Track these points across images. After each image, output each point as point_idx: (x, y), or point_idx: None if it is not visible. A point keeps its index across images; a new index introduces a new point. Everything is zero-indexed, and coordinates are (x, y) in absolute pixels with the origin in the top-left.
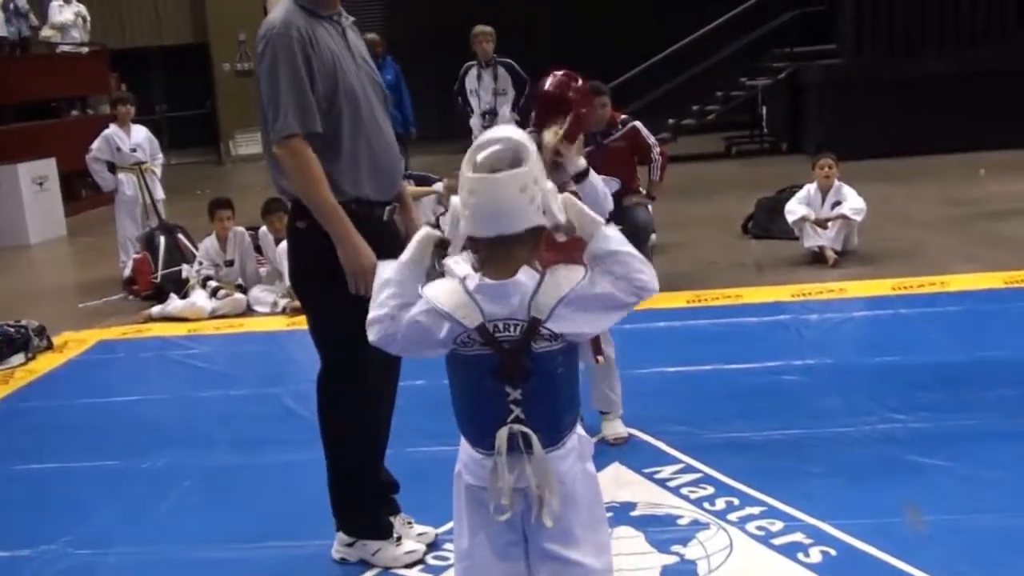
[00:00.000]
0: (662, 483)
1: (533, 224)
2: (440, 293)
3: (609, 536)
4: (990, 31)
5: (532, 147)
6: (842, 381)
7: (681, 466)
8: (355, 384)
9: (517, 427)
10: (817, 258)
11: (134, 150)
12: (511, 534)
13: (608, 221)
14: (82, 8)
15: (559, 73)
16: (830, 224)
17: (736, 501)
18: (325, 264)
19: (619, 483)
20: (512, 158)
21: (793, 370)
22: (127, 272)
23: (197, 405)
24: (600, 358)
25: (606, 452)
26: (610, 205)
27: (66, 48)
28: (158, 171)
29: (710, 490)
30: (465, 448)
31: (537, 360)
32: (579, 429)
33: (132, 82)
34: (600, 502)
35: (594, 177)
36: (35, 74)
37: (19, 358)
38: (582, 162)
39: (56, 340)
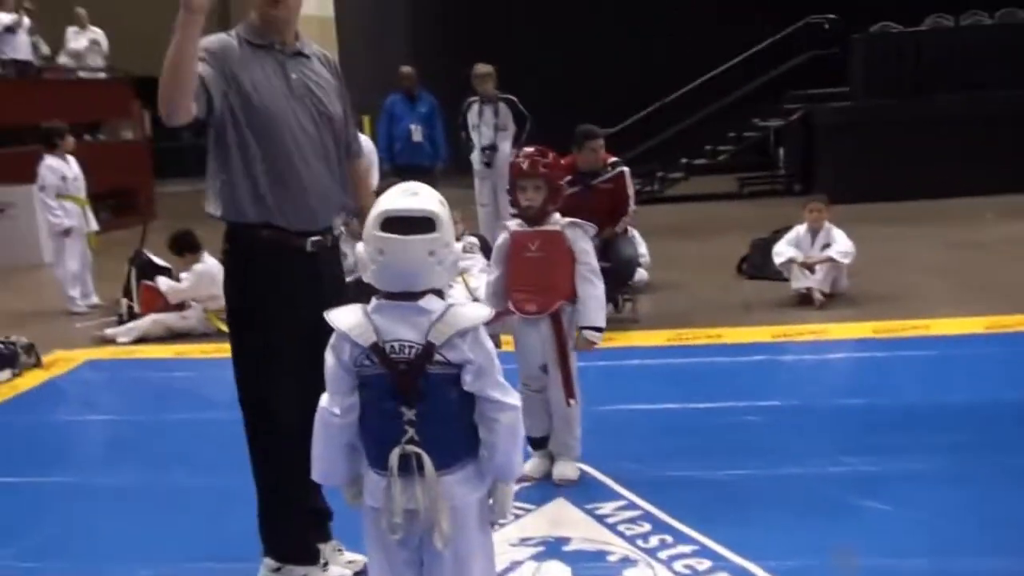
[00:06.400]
0: (601, 519)
1: (437, 286)
2: (340, 315)
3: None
4: (1002, 74)
5: (444, 211)
6: (802, 423)
7: (624, 503)
8: (268, 418)
9: (410, 447)
10: (805, 299)
11: (76, 179)
12: (406, 554)
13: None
14: (98, 34)
15: (530, 150)
16: (818, 266)
17: (669, 539)
18: (232, 301)
19: (558, 519)
20: (426, 222)
21: (757, 411)
22: (73, 308)
23: (168, 426)
24: (572, 401)
25: (553, 488)
26: None
27: (83, 74)
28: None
29: (647, 527)
30: (367, 471)
31: (431, 381)
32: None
33: (156, 107)
34: (490, 533)
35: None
36: (54, 98)
37: (5, 374)
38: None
39: (46, 358)
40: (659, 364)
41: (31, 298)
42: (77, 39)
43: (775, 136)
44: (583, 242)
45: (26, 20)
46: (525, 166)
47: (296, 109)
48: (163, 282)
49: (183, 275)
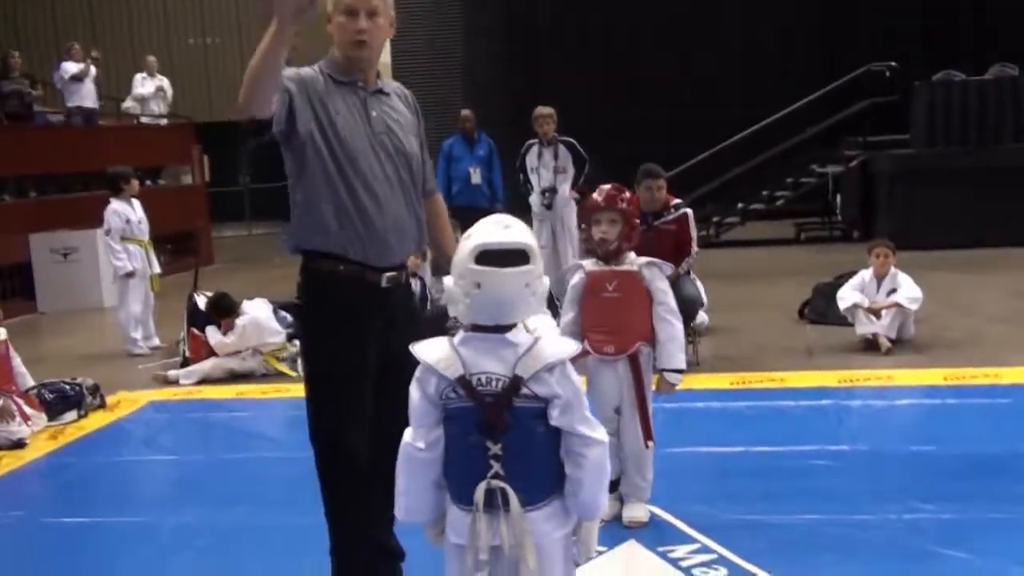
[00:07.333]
0: (675, 562)
1: (528, 316)
2: (427, 348)
3: None
4: None
5: (534, 242)
6: (873, 468)
7: (697, 546)
8: (338, 453)
9: (496, 482)
10: (870, 345)
11: (140, 222)
12: None
13: None
14: (164, 82)
15: (607, 187)
16: (884, 312)
17: None
18: (305, 335)
19: (631, 561)
20: (519, 254)
21: (825, 455)
22: (135, 350)
23: (230, 466)
24: (651, 443)
25: (623, 530)
26: None
27: (145, 120)
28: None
29: (722, 571)
30: (451, 506)
31: (517, 415)
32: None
33: (216, 153)
34: (574, 572)
35: None
36: (117, 144)
37: (72, 415)
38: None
39: (110, 399)
40: (723, 407)
41: (94, 340)
42: (144, 85)
43: (833, 182)
44: (660, 282)
45: (92, 69)
46: (601, 200)
47: (375, 145)
48: (211, 334)
49: (237, 323)
